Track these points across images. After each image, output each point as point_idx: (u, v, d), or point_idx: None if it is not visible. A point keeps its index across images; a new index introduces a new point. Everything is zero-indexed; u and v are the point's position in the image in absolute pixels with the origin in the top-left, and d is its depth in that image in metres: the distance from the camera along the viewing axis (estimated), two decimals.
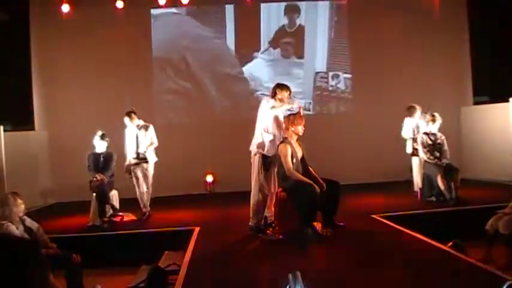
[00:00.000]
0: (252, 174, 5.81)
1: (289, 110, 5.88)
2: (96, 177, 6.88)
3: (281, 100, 5.84)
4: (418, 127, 7.76)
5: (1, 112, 8.59)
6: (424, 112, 7.71)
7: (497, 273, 3.92)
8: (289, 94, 5.95)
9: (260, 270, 4.49)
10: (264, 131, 5.76)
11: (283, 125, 5.79)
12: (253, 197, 5.77)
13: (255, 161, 5.76)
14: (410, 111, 7.81)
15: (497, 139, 8.94)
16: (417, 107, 7.79)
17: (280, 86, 5.94)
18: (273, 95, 5.90)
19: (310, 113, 9.73)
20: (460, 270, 4.20)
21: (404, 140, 7.90)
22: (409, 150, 7.86)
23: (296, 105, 5.84)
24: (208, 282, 4.30)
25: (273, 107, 5.75)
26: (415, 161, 7.83)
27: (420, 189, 7.59)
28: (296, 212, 5.49)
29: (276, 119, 5.83)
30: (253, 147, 5.80)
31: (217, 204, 8.44)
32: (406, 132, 7.84)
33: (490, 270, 4.04)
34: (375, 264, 4.48)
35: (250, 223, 5.81)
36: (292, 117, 5.71)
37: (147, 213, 7.26)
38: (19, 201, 4.53)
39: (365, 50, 9.85)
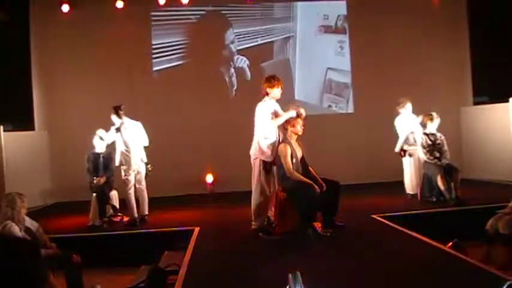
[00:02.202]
0: (252, 176, 5.78)
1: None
2: (94, 182, 6.87)
3: (273, 97, 5.71)
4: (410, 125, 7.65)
5: (1, 112, 8.58)
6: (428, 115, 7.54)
7: (497, 273, 3.92)
8: (281, 88, 5.74)
9: (260, 270, 4.49)
10: (263, 138, 5.67)
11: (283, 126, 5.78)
12: (255, 199, 5.74)
13: (256, 164, 5.72)
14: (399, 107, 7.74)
15: (497, 139, 8.94)
16: (404, 101, 7.67)
17: (270, 83, 5.68)
18: (266, 94, 5.73)
19: (311, 113, 9.71)
20: (460, 270, 4.21)
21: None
22: (397, 149, 7.82)
23: (293, 113, 5.66)
24: (208, 282, 4.30)
25: (273, 118, 5.63)
26: (406, 162, 7.82)
27: (420, 189, 7.58)
28: (296, 212, 5.49)
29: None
30: (253, 152, 5.75)
31: (217, 204, 8.44)
32: (398, 131, 7.80)
33: (490, 270, 4.04)
34: (375, 264, 4.48)
35: (253, 226, 5.76)
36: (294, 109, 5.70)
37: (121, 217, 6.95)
38: (25, 202, 4.53)
39: (365, 50, 9.84)
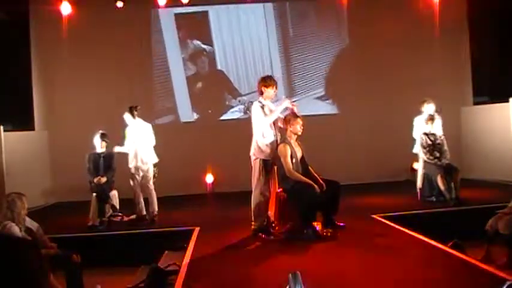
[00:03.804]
0: (252, 177, 5.76)
1: (284, 109, 5.80)
2: (94, 182, 6.89)
3: (268, 97, 5.74)
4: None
5: (1, 112, 8.58)
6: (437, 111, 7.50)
7: (497, 273, 3.92)
8: (276, 89, 5.80)
9: (260, 270, 4.49)
10: (262, 137, 5.67)
11: (281, 125, 5.78)
12: (255, 200, 5.72)
13: (256, 165, 5.70)
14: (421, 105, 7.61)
15: (497, 139, 8.94)
16: (428, 100, 7.56)
17: (265, 82, 5.75)
18: (260, 93, 5.78)
19: (312, 113, 9.71)
20: (460, 270, 4.21)
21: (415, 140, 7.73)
22: (416, 149, 7.76)
23: (286, 103, 5.71)
24: (208, 282, 4.30)
25: (266, 113, 5.65)
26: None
27: (420, 189, 7.58)
28: (296, 212, 5.49)
29: (273, 122, 5.78)
30: (252, 152, 5.74)
31: (217, 204, 8.44)
32: (415, 132, 7.69)
33: (490, 270, 4.04)
34: (375, 264, 4.48)
35: (253, 226, 5.74)
36: (288, 118, 5.70)
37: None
38: (26, 204, 4.53)
39: (365, 50, 9.84)
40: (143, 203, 7.09)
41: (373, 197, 8.16)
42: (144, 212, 7.07)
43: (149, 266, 5.04)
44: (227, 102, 9.99)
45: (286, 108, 5.81)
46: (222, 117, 9.86)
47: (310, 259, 4.76)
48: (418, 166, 7.72)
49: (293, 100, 5.81)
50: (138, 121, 7.08)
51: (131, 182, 7.04)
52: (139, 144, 7.02)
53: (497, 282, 3.49)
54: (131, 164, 7.02)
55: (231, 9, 9.97)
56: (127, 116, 7.02)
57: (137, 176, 7.01)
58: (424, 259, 4.56)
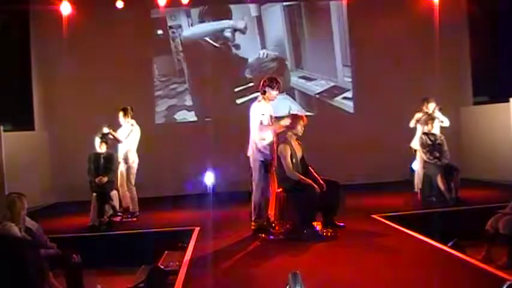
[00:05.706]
0: (252, 177, 5.76)
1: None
2: (95, 182, 6.91)
3: (269, 98, 5.71)
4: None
5: (1, 112, 8.57)
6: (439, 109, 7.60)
7: (497, 273, 3.92)
8: (279, 91, 5.75)
9: (260, 270, 4.49)
10: (260, 139, 5.63)
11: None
12: (255, 199, 5.72)
13: (255, 165, 5.69)
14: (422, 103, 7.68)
15: (497, 139, 8.94)
16: (429, 99, 7.62)
17: (271, 83, 5.69)
18: (263, 92, 5.73)
19: (312, 113, 9.73)
20: (460, 270, 4.21)
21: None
22: (414, 144, 7.73)
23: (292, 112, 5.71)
24: (208, 282, 4.30)
25: (270, 123, 5.67)
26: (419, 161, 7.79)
27: (420, 189, 7.58)
28: (296, 212, 5.49)
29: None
30: (251, 153, 5.72)
31: (217, 204, 8.43)
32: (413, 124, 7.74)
33: (490, 270, 4.04)
34: (375, 264, 4.48)
35: (253, 227, 5.75)
36: (290, 118, 5.69)
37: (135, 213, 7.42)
38: (25, 204, 4.53)
39: (365, 50, 9.84)
40: None
41: (373, 197, 8.16)
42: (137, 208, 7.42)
43: (149, 266, 5.04)
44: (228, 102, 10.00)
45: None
46: (222, 117, 9.84)
47: (310, 259, 4.76)
48: (416, 166, 7.74)
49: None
50: (131, 122, 7.41)
51: (133, 180, 7.29)
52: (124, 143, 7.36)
53: (497, 282, 3.49)
54: (136, 163, 7.33)
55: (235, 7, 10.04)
56: (126, 119, 7.31)
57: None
58: (424, 259, 4.56)
